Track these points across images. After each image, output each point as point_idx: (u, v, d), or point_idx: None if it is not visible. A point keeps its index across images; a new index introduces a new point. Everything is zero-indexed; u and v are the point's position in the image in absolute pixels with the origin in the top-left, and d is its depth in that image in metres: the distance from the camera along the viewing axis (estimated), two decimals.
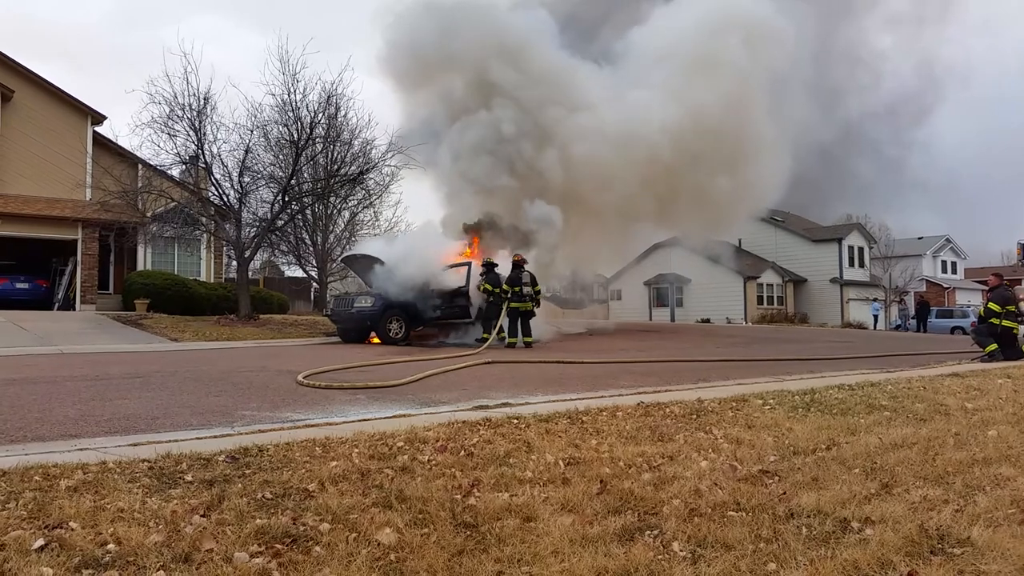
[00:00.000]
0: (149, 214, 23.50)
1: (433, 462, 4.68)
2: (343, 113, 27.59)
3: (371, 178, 28.54)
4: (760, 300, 42.55)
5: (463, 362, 12.34)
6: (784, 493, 4.10)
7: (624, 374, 11.18)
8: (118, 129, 43.52)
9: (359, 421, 6.42)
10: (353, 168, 27.46)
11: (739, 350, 17.31)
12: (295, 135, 23.60)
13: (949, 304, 46.39)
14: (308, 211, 30.04)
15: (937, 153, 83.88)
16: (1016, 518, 3.70)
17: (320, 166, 27.40)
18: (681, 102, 21.18)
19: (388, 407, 7.64)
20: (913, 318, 39.34)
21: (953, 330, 34.88)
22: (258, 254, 28.65)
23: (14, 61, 25.30)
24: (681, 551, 3.31)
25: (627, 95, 21.48)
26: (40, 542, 3.13)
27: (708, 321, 38.53)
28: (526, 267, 17.64)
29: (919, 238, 52.80)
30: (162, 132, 22.12)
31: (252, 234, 24.22)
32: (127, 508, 3.62)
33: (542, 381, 10.26)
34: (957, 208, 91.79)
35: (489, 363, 12.67)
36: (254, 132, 24.62)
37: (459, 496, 3.99)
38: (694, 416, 6.46)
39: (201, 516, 3.52)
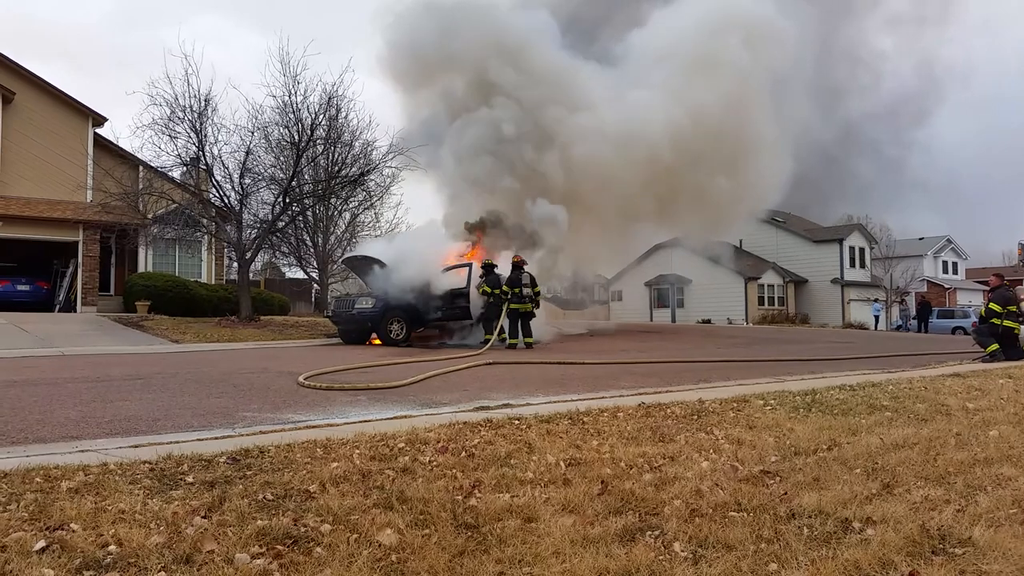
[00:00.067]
0: (150, 216, 23.55)
1: (434, 463, 4.68)
2: (344, 114, 27.65)
3: (372, 179, 28.59)
4: (761, 301, 42.54)
5: (464, 363, 12.34)
6: (785, 493, 4.10)
7: (625, 375, 11.18)
8: (119, 131, 43.48)
9: (360, 422, 6.42)
10: (354, 169, 27.48)
11: (740, 351, 17.30)
12: (296, 137, 23.63)
13: (950, 304, 46.36)
14: (309, 213, 30.05)
15: (937, 153, 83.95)
16: (1017, 518, 3.70)
17: (321, 167, 27.42)
18: (682, 102, 21.18)
19: (389, 408, 7.64)
20: (914, 318, 39.31)
21: (954, 330, 34.87)
22: (259, 256, 28.68)
23: (15, 63, 25.35)
24: (682, 551, 3.31)
25: (627, 95, 21.48)
26: (41, 544, 3.14)
27: (709, 322, 38.53)
28: (526, 268, 17.64)
29: (920, 238, 52.79)
30: (163, 134, 22.20)
31: (253, 236, 24.24)
32: (128, 509, 3.62)
33: (543, 382, 10.26)
34: (958, 208, 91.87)
35: (490, 364, 12.67)
36: (255, 134, 24.70)
37: (460, 497, 3.99)
38: (695, 417, 6.46)
39: (202, 517, 3.53)
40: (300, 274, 38.74)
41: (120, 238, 24.64)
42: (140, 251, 26.27)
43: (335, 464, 4.57)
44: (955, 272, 54.41)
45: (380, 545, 3.29)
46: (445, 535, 3.45)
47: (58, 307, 25.12)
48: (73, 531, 3.32)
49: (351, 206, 32.85)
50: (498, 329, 17.02)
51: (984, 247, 63.91)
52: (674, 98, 21.29)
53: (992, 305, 14.06)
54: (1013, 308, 13.99)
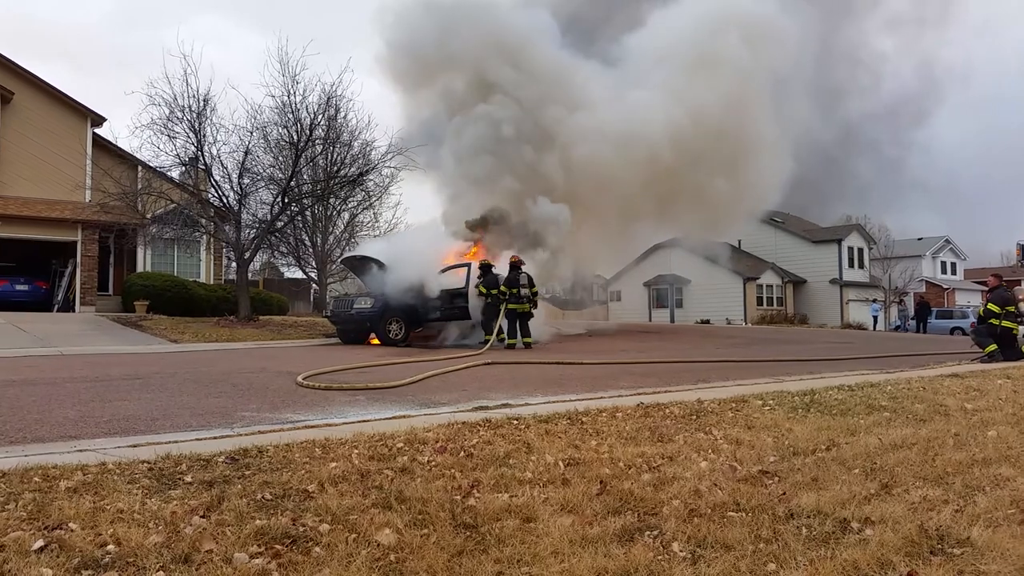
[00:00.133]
0: (149, 216, 23.52)
1: (433, 463, 4.68)
2: (343, 114, 27.62)
3: (371, 179, 28.60)
4: (760, 301, 42.57)
5: (463, 363, 12.34)
6: (784, 493, 4.10)
7: (624, 375, 11.18)
8: (118, 131, 43.54)
9: (359, 422, 6.41)
10: (353, 169, 27.48)
11: (739, 351, 17.30)
12: (295, 137, 23.63)
13: (949, 305, 46.41)
14: (308, 212, 30.05)
15: (937, 153, 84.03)
16: (1016, 518, 3.70)
17: (320, 167, 27.42)
18: (682, 102, 21.18)
19: (388, 408, 7.64)
20: (913, 319, 39.33)
21: (953, 331, 34.88)
22: (258, 255, 28.66)
23: (14, 63, 25.32)
24: (681, 551, 3.31)
25: (628, 95, 21.48)
26: (40, 543, 3.13)
27: (708, 322, 38.53)
28: (523, 268, 17.64)
29: (919, 239, 52.83)
30: (162, 134, 22.18)
31: (252, 235, 24.23)
32: (127, 509, 3.62)
33: (542, 382, 10.26)
34: (957, 209, 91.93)
35: (489, 364, 12.67)
36: (254, 134, 24.68)
37: (459, 497, 3.99)
38: (694, 417, 6.46)
39: (201, 517, 3.53)
40: (299, 274, 38.78)
41: (119, 238, 24.62)
42: (139, 251, 26.24)
43: (334, 464, 4.57)
44: (954, 272, 54.47)
45: (379, 545, 3.29)
46: (444, 535, 3.45)
47: (56, 307, 25.10)
48: (71, 530, 3.31)
49: (350, 206, 32.88)
50: (497, 329, 17.02)
51: (983, 248, 64.08)
52: (674, 98, 21.30)
53: (990, 306, 14.07)
54: (1011, 309, 14.00)
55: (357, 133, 29.57)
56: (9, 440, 5.66)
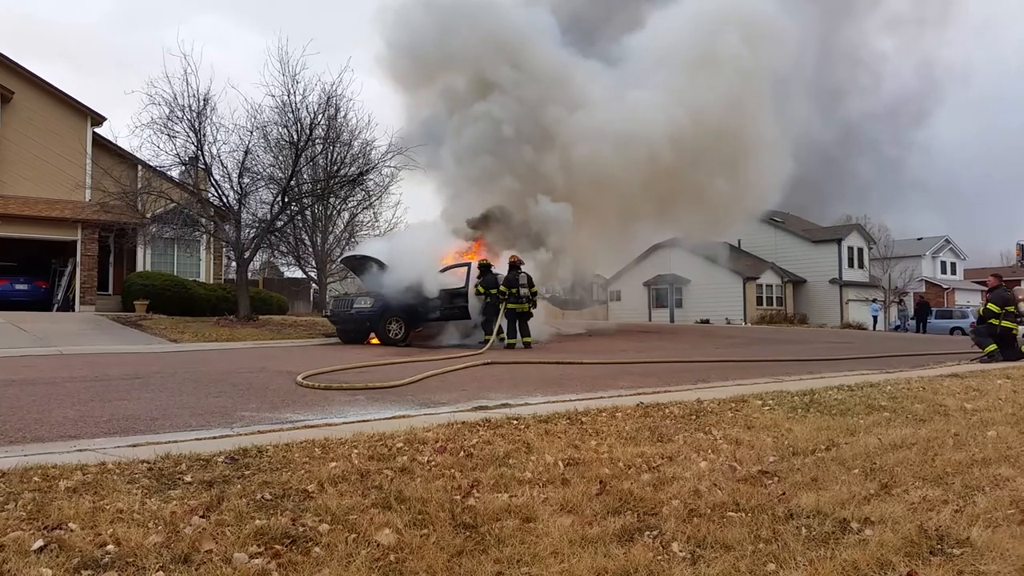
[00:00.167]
0: (149, 215, 23.52)
1: (432, 463, 4.68)
2: (343, 114, 27.62)
3: (371, 179, 28.58)
4: (759, 301, 42.57)
5: (462, 363, 12.34)
6: (783, 494, 4.10)
7: (623, 375, 11.18)
8: (118, 130, 43.62)
9: (358, 422, 6.42)
10: (353, 169, 27.48)
11: (738, 351, 17.31)
12: (295, 136, 23.62)
13: (948, 305, 46.40)
14: (308, 212, 30.04)
15: (937, 153, 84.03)
16: (1015, 518, 3.70)
17: (320, 167, 27.41)
18: (682, 101, 21.17)
19: (387, 408, 7.64)
20: (912, 319, 39.34)
21: (952, 331, 34.88)
22: (257, 255, 28.65)
23: (14, 62, 25.32)
24: (680, 551, 3.31)
25: (628, 95, 21.47)
26: (39, 543, 3.13)
27: (707, 322, 38.54)
28: (523, 268, 17.64)
29: (918, 239, 52.83)
30: (162, 133, 22.17)
31: (251, 235, 24.22)
32: (126, 509, 3.62)
33: (541, 382, 10.26)
34: (957, 209, 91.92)
35: (488, 364, 12.67)
36: (254, 133, 24.69)
37: (458, 497, 3.99)
38: (693, 417, 6.46)
39: (200, 517, 3.53)
40: (299, 273, 38.76)
41: (118, 237, 24.62)
42: (138, 250, 26.24)
43: (333, 464, 4.57)
44: (953, 272, 54.47)
45: (378, 545, 3.29)
46: (443, 535, 3.45)
47: (56, 306, 25.10)
48: (71, 530, 3.31)
49: (350, 206, 32.86)
50: (496, 329, 17.02)
51: (983, 247, 64.06)
52: (674, 98, 21.29)
53: (990, 306, 14.07)
54: (1011, 309, 14.00)
55: (357, 133, 29.62)
56: (9, 440, 5.66)
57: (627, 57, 22.67)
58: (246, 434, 5.81)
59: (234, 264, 26.43)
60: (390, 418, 6.69)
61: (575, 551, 3.29)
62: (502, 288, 17.23)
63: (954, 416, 6.60)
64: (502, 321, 17.19)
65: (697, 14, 22.12)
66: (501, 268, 17.92)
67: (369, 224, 34.74)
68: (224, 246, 27.60)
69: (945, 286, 51.48)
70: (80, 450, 5.13)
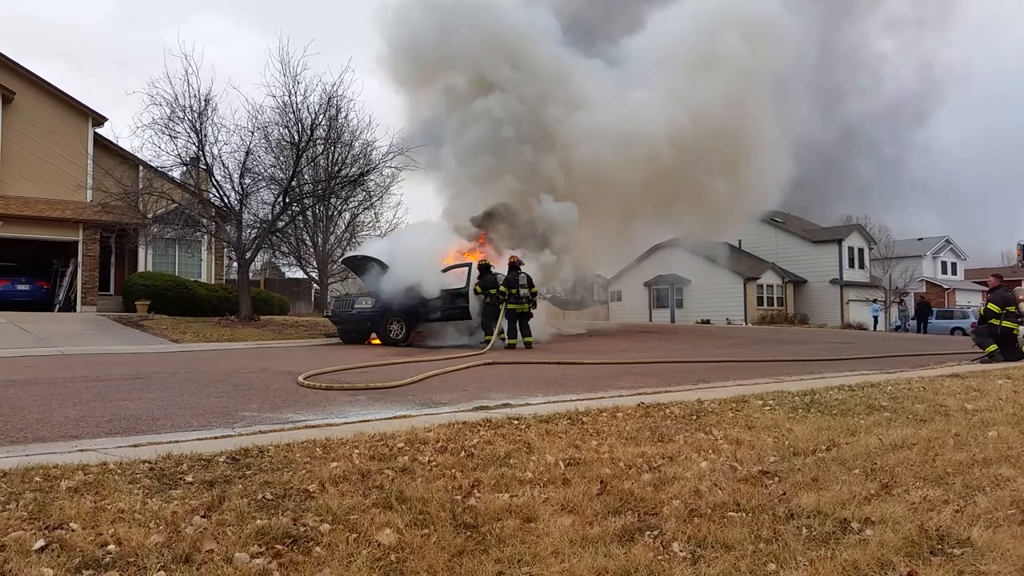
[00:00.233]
0: (150, 215, 23.55)
1: (433, 463, 4.69)
2: (344, 114, 27.68)
3: (372, 179, 28.60)
4: (760, 301, 42.56)
5: (463, 363, 12.35)
6: (784, 494, 4.11)
7: (624, 375, 11.18)
8: (119, 131, 43.50)
9: (359, 422, 6.42)
10: (354, 170, 27.49)
11: (739, 351, 17.30)
12: (296, 137, 23.63)
13: (949, 305, 46.38)
14: (309, 212, 30.07)
15: (937, 154, 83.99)
16: (1016, 519, 3.71)
17: (321, 167, 27.44)
18: (682, 101, 21.17)
19: (388, 408, 7.64)
20: (913, 319, 39.33)
21: (953, 331, 34.87)
22: (259, 255, 28.67)
23: (15, 63, 25.34)
24: (681, 551, 3.31)
25: (628, 95, 21.47)
26: (41, 543, 3.14)
27: (708, 322, 38.54)
28: (523, 268, 17.65)
29: (919, 239, 52.80)
30: (163, 134, 22.20)
31: (253, 235, 24.24)
32: (128, 509, 3.62)
33: (542, 382, 10.27)
34: (957, 209, 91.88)
35: (489, 364, 12.67)
36: (255, 134, 24.71)
37: (459, 497, 3.99)
38: (694, 417, 6.47)
39: (202, 517, 3.53)
40: (300, 274, 38.78)
41: (120, 238, 24.64)
42: (140, 251, 26.27)
43: (334, 464, 4.58)
44: (954, 273, 54.44)
45: (379, 545, 3.29)
46: (444, 535, 3.46)
47: (58, 307, 25.12)
48: (72, 530, 3.32)
49: (351, 206, 32.89)
50: (497, 329, 17.03)
51: (983, 248, 63.96)
52: (674, 98, 21.29)
53: (991, 306, 14.06)
54: (1012, 309, 13.99)
55: (358, 133, 29.67)
56: (10, 440, 5.67)
57: (627, 57, 22.68)
58: (247, 434, 5.81)
59: (235, 264, 26.44)
60: (391, 418, 6.70)
61: (576, 551, 3.29)
62: (502, 288, 17.24)
63: (955, 416, 6.60)
64: (503, 321, 17.20)
65: (697, 14, 22.12)
66: (504, 267, 17.92)
67: (370, 225, 34.79)
68: (225, 246, 27.62)
69: (946, 286, 51.46)
70: (81, 450, 5.13)
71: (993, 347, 13.68)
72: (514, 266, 17.53)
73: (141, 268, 26.29)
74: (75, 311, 24.20)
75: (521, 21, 22.19)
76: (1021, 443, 5.42)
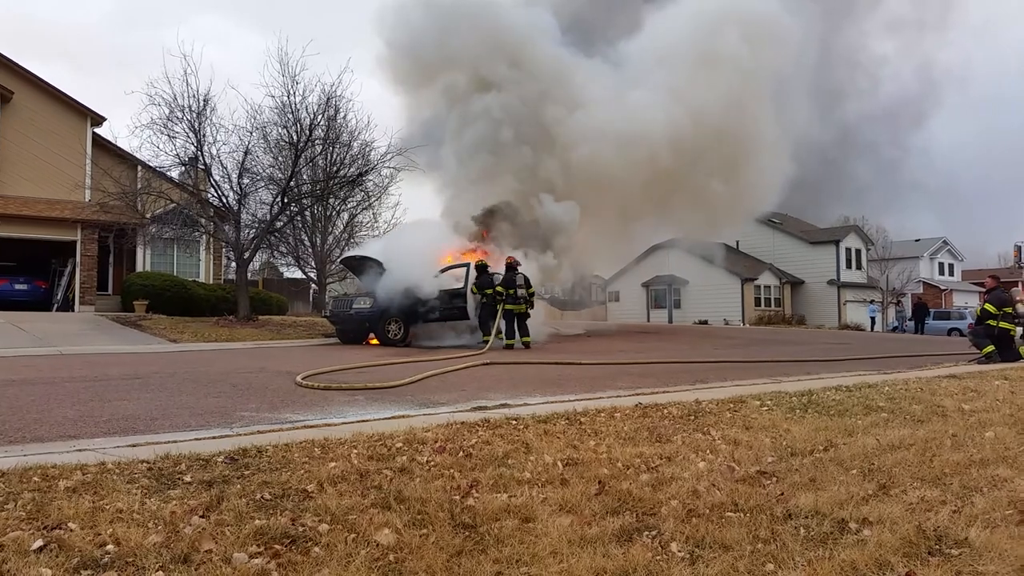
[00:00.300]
0: (148, 215, 23.52)
1: (432, 463, 4.69)
2: (342, 115, 27.58)
3: (370, 180, 28.57)
4: (757, 302, 42.59)
5: (462, 363, 12.35)
6: (782, 494, 4.11)
7: (622, 375, 11.19)
8: (118, 130, 43.54)
9: (358, 422, 6.42)
10: (352, 170, 27.46)
11: (737, 351, 17.32)
12: (294, 137, 23.62)
13: (946, 306, 46.43)
14: (307, 213, 30.03)
15: (935, 155, 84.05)
16: (1013, 519, 3.71)
17: (319, 168, 27.39)
18: (683, 101, 21.16)
19: (387, 408, 7.64)
20: (910, 320, 39.38)
21: (950, 332, 34.90)
22: (257, 255, 28.63)
23: (14, 62, 25.30)
24: (679, 552, 3.32)
25: (628, 95, 21.47)
26: (39, 543, 3.14)
27: (706, 323, 38.57)
28: (519, 269, 17.66)
29: (916, 240, 52.85)
30: (161, 134, 22.17)
31: (251, 235, 24.22)
32: (126, 509, 3.62)
33: (540, 382, 10.27)
34: (954, 210, 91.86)
35: (488, 364, 12.68)
36: (253, 134, 24.68)
37: (458, 497, 3.99)
38: (692, 417, 6.47)
39: (200, 517, 3.53)
40: (298, 274, 38.74)
41: (118, 238, 24.61)
42: (138, 251, 26.23)
43: (333, 464, 4.58)
44: (951, 274, 54.50)
45: (378, 545, 3.30)
46: (443, 535, 3.46)
47: (56, 306, 25.09)
48: (71, 530, 3.32)
49: (349, 206, 32.81)
50: (495, 329, 17.03)
51: (980, 249, 64.05)
52: (674, 98, 21.29)
53: (988, 307, 14.08)
54: (1009, 310, 14.02)
55: (357, 133, 29.52)
56: (8, 440, 5.66)
57: (627, 57, 22.67)
58: (246, 434, 5.81)
59: (234, 264, 26.44)
60: (389, 418, 6.70)
61: (574, 551, 3.30)
62: (499, 289, 17.25)
63: (952, 417, 6.61)
64: (501, 322, 17.20)
65: (697, 13, 22.12)
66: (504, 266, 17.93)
67: (368, 225, 34.73)
68: (224, 246, 27.60)
69: (943, 287, 51.51)
70: (80, 450, 5.13)
71: (990, 348, 13.71)
72: (511, 267, 17.55)
73: (139, 268, 26.26)
74: (73, 311, 24.17)
75: (521, 21, 22.18)
76: (1018, 444, 5.43)
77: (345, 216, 33.68)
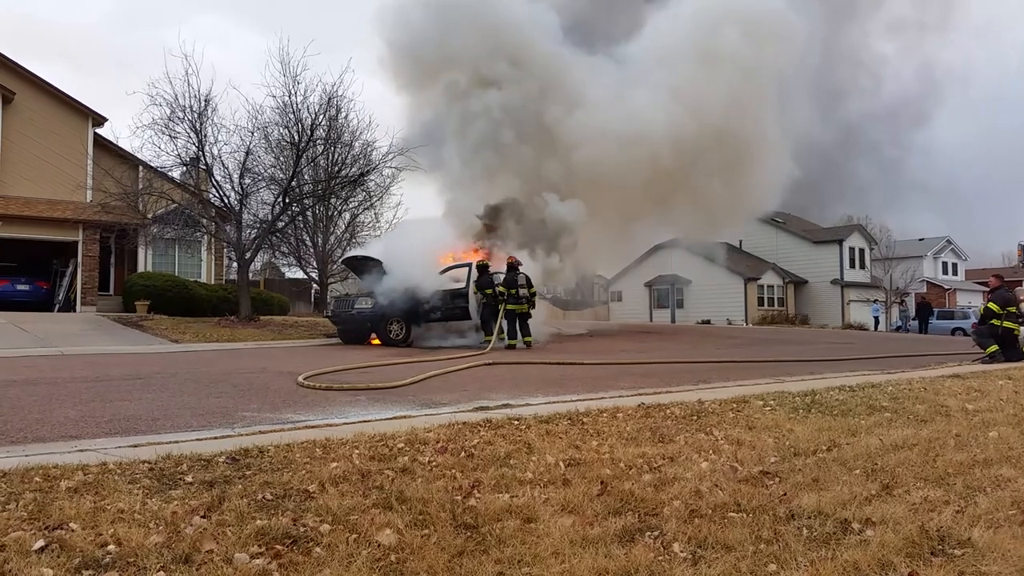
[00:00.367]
0: (150, 216, 23.55)
1: (433, 463, 4.68)
2: (344, 115, 27.61)
3: (372, 180, 28.59)
4: (761, 301, 42.56)
5: (464, 363, 12.35)
6: (785, 494, 4.10)
7: (624, 375, 11.18)
8: (119, 131, 43.40)
9: (359, 422, 6.42)
10: (354, 170, 27.48)
11: (739, 351, 17.30)
12: (296, 137, 23.63)
13: (950, 305, 46.39)
14: (309, 213, 30.05)
15: (937, 154, 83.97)
16: (1017, 519, 3.70)
17: (321, 168, 27.41)
18: (683, 100, 21.14)
19: (388, 408, 7.64)
20: (914, 319, 39.32)
21: (954, 331, 34.88)
22: (259, 256, 28.67)
23: (15, 63, 25.35)
24: (681, 552, 3.31)
25: (629, 95, 21.45)
26: (40, 543, 3.14)
27: (708, 322, 38.53)
28: (521, 269, 17.65)
29: (920, 239, 52.81)
30: (163, 134, 22.19)
31: (253, 236, 24.24)
32: (127, 509, 3.62)
33: (543, 382, 10.26)
34: (958, 209, 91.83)
35: (490, 364, 12.67)
36: (255, 134, 24.70)
37: (459, 497, 3.99)
38: (695, 417, 6.46)
39: (201, 517, 3.53)
40: (300, 274, 38.75)
41: (120, 238, 24.65)
42: (140, 251, 26.28)
43: (334, 464, 4.58)
44: (955, 273, 54.44)
45: (379, 545, 3.29)
46: (444, 535, 3.45)
47: (57, 307, 25.12)
48: (72, 530, 3.32)
49: (351, 206, 32.84)
50: (497, 329, 17.03)
51: (984, 248, 63.94)
52: (676, 97, 21.26)
53: (991, 306, 14.06)
54: (1012, 309, 13.99)
55: (358, 133, 29.58)
56: (10, 440, 5.67)
57: (629, 56, 22.64)
58: (247, 434, 5.81)
59: (235, 265, 26.44)
60: (391, 418, 6.69)
61: (576, 551, 3.29)
62: (500, 288, 17.24)
63: (955, 417, 6.59)
64: (503, 322, 17.20)
65: (699, 11, 22.08)
66: (497, 268, 17.93)
67: (370, 225, 34.75)
68: (225, 247, 27.63)
69: (946, 287, 51.46)
70: (81, 450, 5.13)
71: (994, 347, 13.68)
72: (512, 266, 17.54)
73: (141, 268, 26.29)
74: (75, 311, 24.20)
75: (522, 19, 22.15)
76: (1022, 444, 5.41)
77: (347, 216, 33.73)
